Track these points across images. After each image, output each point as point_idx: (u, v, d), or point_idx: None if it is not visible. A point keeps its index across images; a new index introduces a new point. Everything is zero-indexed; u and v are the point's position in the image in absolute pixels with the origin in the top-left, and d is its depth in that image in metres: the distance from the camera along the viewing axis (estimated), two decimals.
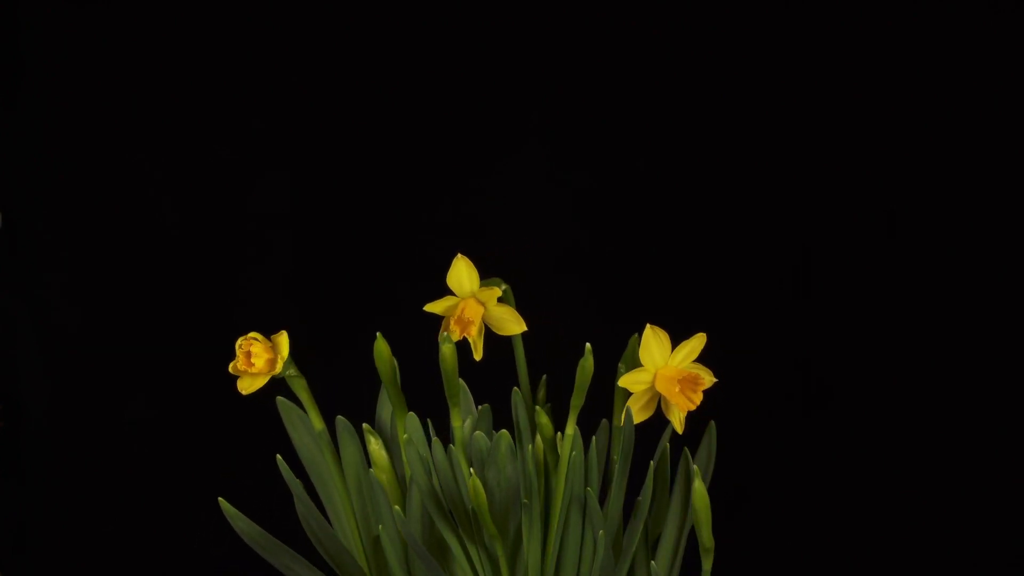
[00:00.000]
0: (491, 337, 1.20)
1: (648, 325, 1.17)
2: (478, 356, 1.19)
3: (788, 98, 1.64)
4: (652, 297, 1.66)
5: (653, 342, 1.17)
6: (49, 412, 1.66)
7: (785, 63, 1.64)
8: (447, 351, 1.18)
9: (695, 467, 1.18)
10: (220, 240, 1.66)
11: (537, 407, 1.20)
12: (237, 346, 1.20)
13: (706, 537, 1.18)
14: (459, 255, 1.20)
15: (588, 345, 1.18)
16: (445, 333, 1.19)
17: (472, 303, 1.20)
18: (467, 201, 1.66)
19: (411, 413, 1.21)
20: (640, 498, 1.18)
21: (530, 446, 1.19)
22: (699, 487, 1.17)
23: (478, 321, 1.19)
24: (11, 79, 1.63)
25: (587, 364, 1.18)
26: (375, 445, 1.22)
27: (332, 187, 1.67)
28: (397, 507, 1.16)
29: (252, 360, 1.20)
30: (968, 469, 1.65)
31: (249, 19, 1.64)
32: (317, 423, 1.22)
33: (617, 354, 1.21)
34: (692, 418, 1.20)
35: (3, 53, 1.63)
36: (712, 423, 1.22)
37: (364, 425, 1.22)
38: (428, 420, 1.22)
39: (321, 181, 1.67)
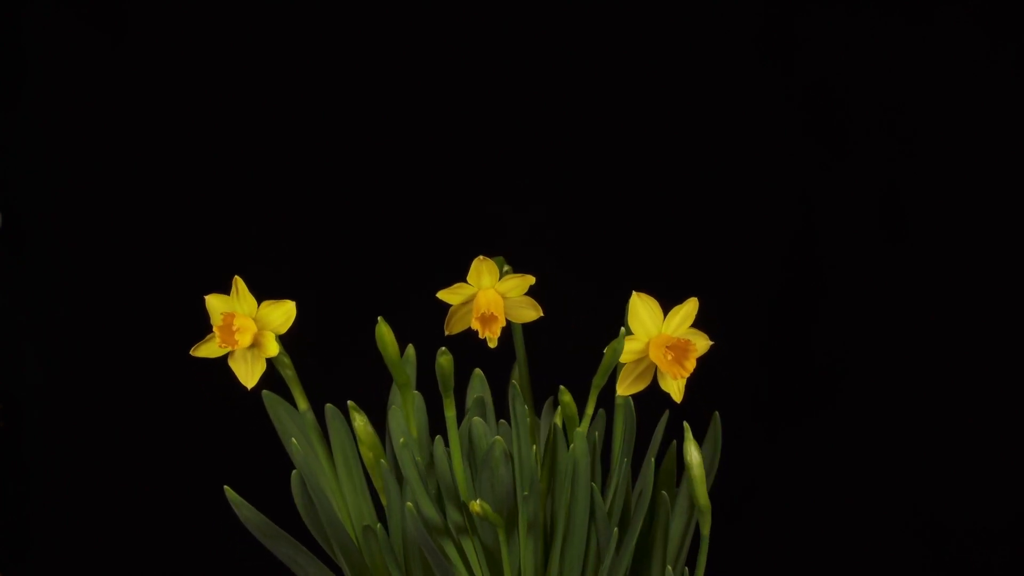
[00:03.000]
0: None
1: (634, 292, 1.14)
2: (494, 345, 1.17)
3: (791, 96, 1.64)
4: (661, 294, 1.65)
5: (642, 309, 1.14)
6: (49, 412, 1.66)
7: (787, 62, 1.64)
8: (444, 362, 1.16)
9: (686, 424, 1.15)
10: (222, 240, 1.66)
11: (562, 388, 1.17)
12: (216, 323, 1.15)
13: (701, 497, 1.16)
14: (480, 256, 1.17)
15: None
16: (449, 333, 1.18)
17: (492, 294, 1.16)
18: (469, 197, 1.66)
19: (395, 407, 1.20)
20: (642, 493, 1.17)
21: (534, 447, 1.18)
22: (690, 447, 1.15)
23: (502, 316, 1.15)
24: (12, 79, 1.63)
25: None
26: (360, 422, 1.21)
27: (335, 187, 1.67)
28: (410, 504, 1.15)
29: (236, 336, 1.15)
30: (972, 468, 1.65)
31: (253, 20, 1.64)
32: (301, 403, 1.21)
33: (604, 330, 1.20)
34: (697, 411, 1.20)
35: (4, 53, 1.63)
36: (716, 414, 1.21)
37: (349, 403, 1.21)
38: (415, 420, 1.21)
39: (324, 181, 1.67)
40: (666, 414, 1.20)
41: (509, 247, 1.20)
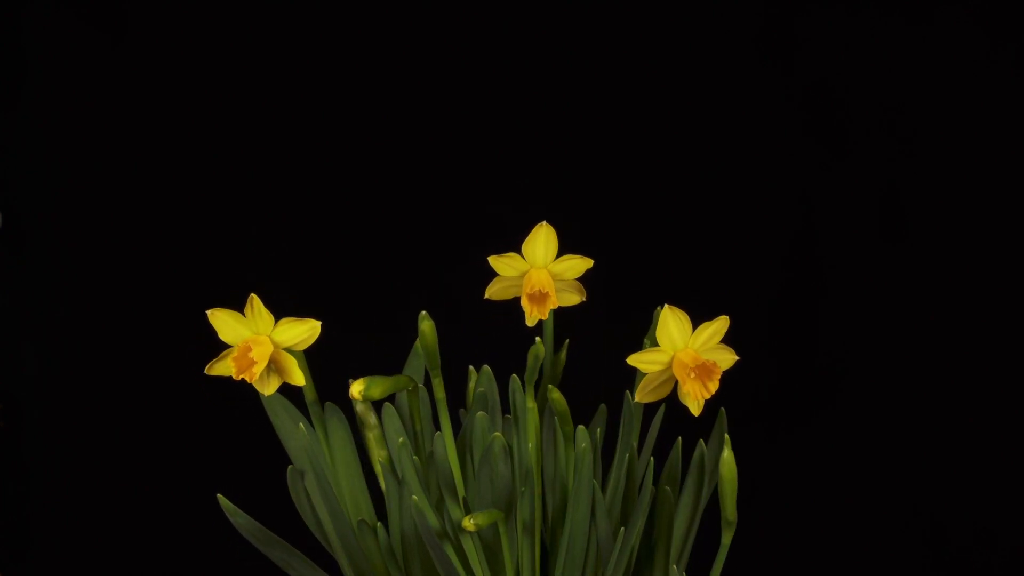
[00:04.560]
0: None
1: (666, 305, 1.12)
2: (532, 323, 1.13)
3: (791, 96, 1.64)
4: (661, 294, 1.65)
5: (672, 322, 1.11)
6: (49, 412, 1.66)
7: (787, 62, 1.64)
8: (427, 328, 1.13)
9: (727, 436, 1.14)
10: (222, 240, 1.66)
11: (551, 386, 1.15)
12: (234, 352, 1.10)
13: (730, 510, 1.15)
14: (543, 222, 1.13)
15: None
16: (489, 291, 1.13)
17: (545, 274, 1.12)
18: (469, 197, 1.66)
19: (387, 404, 1.18)
20: (642, 490, 1.17)
21: (530, 444, 1.18)
22: (728, 457, 1.14)
23: (555, 296, 1.11)
24: (12, 79, 1.63)
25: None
26: (361, 406, 1.18)
27: (335, 187, 1.67)
28: (415, 497, 1.14)
29: (253, 368, 1.09)
30: (972, 468, 1.65)
31: (253, 20, 1.64)
32: (309, 394, 1.19)
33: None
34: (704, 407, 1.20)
35: (4, 52, 1.63)
36: (722, 411, 1.21)
37: (350, 379, 1.17)
38: (420, 414, 1.21)
39: (324, 181, 1.67)
40: (662, 408, 1.19)
41: (509, 247, 1.19)
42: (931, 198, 1.63)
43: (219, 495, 1.20)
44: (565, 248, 1.30)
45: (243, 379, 1.12)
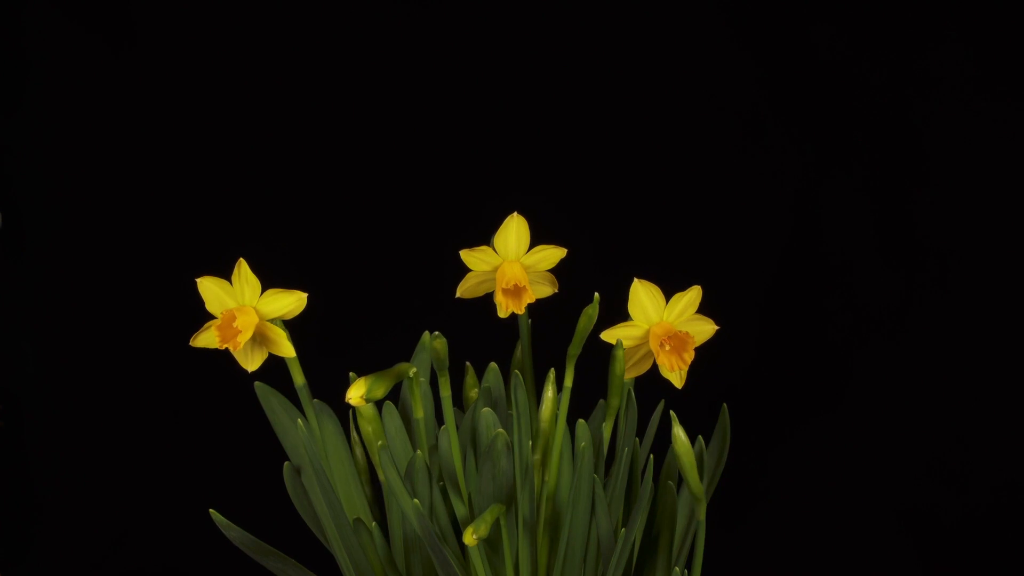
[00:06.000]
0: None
1: (635, 279, 1.10)
2: (504, 315, 1.12)
3: (791, 95, 1.64)
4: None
5: (643, 295, 1.10)
6: (49, 412, 1.66)
7: (787, 61, 1.65)
8: (439, 346, 1.12)
9: (672, 412, 1.13)
10: (222, 241, 1.66)
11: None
12: (218, 321, 1.08)
13: (694, 484, 1.13)
14: (515, 213, 1.12)
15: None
16: (460, 290, 1.13)
17: (518, 268, 1.10)
18: (469, 197, 1.66)
19: (388, 402, 1.18)
20: (643, 486, 1.17)
21: (530, 442, 1.17)
22: (679, 434, 1.12)
23: (531, 289, 1.09)
24: (14, 80, 1.63)
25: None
26: (360, 405, 1.17)
27: (335, 187, 1.67)
28: (416, 501, 1.13)
29: (238, 338, 1.07)
30: (972, 467, 1.65)
31: (255, 22, 1.65)
32: (298, 378, 1.17)
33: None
34: (698, 408, 1.20)
35: (6, 54, 1.63)
36: (725, 407, 1.20)
37: (351, 374, 1.16)
38: (423, 407, 1.20)
39: (324, 181, 1.67)
40: (661, 404, 1.18)
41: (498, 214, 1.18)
42: (931, 198, 1.63)
43: (211, 510, 1.19)
44: (559, 243, 1.30)
45: (247, 372, 1.12)
